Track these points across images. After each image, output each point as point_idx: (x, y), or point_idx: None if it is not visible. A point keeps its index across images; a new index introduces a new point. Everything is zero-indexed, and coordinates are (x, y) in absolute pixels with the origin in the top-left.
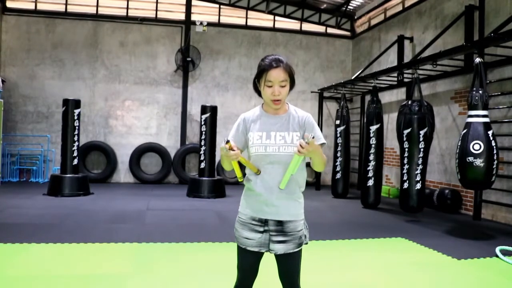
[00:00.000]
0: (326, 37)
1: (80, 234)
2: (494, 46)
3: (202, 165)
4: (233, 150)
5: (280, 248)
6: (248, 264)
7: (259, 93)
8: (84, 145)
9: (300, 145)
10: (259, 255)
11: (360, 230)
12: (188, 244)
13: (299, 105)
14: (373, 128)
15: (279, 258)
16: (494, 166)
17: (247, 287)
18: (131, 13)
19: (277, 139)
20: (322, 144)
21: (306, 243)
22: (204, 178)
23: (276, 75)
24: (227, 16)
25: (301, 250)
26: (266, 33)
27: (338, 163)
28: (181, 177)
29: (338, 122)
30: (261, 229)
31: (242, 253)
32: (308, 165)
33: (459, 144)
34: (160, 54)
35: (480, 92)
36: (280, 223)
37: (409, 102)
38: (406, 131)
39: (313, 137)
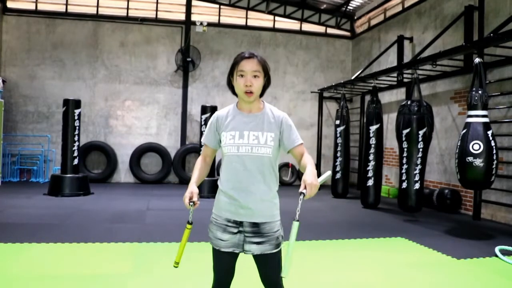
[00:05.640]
0: (326, 37)
1: (80, 234)
2: (494, 46)
3: None
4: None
5: (256, 249)
6: (222, 265)
7: (233, 90)
8: (85, 145)
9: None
10: (234, 256)
11: (360, 230)
12: (188, 244)
13: (299, 105)
14: (373, 128)
15: (258, 259)
16: (494, 166)
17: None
18: (131, 13)
19: (250, 139)
20: (300, 144)
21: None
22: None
23: (249, 65)
24: (227, 16)
25: (280, 250)
26: (266, 33)
27: (338, 163)
28: (181, 177)
29: (338, 122)
30: (235, 230)
31: (216, 254)
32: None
33: (459, 144)
34: (160, 54)
35: (480, 92)
36: (255, 224)
37: (409, 102)
38: (405, 131)
39: (304, 191)
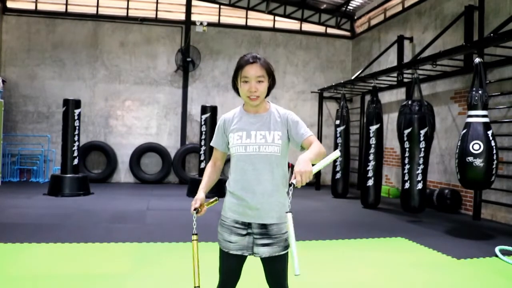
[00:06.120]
0: (326, 37)
1: (80, 234)
2: (494, 46)
3: (202, 165)
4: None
5: (265, 251)
6: (230, 267)
7: (238, 93)
8: (85, 145)
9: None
10: (242, 259)
11: (360, 230)
12: (188, 244)
13: (299, 105)
14: (373, 128)
15: (265, 261)
16: (494, 166)
17: None
18: (131, 13)
19: (257, 138)
20: (309, 136)
21: None
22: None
23: (253, 71)
24: (227, 16)
25: (287, 252)
26: (266, 33)
27: (338, 163)
28: (181, 177)
29: (338, 122)
30: (244, 232)
31: (224, 256)
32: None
33: (459, 144)
34: (160, 54)
35: (480, 92)
36: (264, 226)
37: (410, 102)
38: (406, 131)
39: (294, 180)
